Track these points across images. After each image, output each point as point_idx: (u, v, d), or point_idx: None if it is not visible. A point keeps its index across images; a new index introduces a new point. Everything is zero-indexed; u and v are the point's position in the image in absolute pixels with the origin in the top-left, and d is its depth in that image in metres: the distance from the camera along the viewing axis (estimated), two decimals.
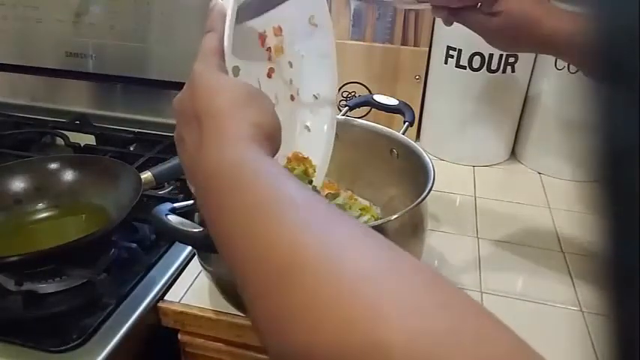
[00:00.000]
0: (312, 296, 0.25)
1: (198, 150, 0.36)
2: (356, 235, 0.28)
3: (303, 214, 0.29)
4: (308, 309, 0.25)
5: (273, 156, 0.37)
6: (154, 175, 0.74)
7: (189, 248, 0.68)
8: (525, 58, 0.87)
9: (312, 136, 0.61)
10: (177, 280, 0.63)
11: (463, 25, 0.61)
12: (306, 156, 0.59)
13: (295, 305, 0.25)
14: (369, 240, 0.27)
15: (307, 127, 0.62)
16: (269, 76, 0.55)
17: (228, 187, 0.32)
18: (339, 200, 0.68)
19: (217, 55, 0.41)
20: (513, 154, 0.98)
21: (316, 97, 0.61)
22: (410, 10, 0.76)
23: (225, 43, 0.42)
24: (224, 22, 0.42)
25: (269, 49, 0.55)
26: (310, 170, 0.58)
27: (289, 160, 0.58)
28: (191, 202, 0.54)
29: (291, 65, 0.58)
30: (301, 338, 0.25)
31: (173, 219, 0.49)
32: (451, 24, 0.61)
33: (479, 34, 0.60)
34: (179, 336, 0.62)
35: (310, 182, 0.58)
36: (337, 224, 0.29)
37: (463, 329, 0.23)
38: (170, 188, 0.79)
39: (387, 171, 0.69)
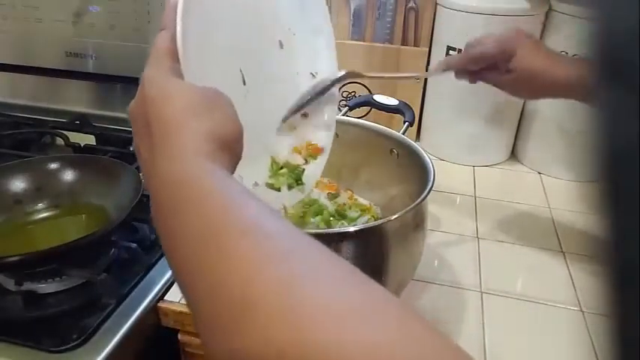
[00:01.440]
0: (265, 341, 0.23)
1: (149, 162, 0.33)
2: (316, 269, 0.25)
3: (257, 245, 0.26)
4: (262, 353, 0.23)
5: (234, 166, 0.35)
6: None
7: None
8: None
9: (311, 121, 0.58)
10: None
11: (485, 82, 0.66)
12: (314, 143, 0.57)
13: (249, 347, 0.23)
14: (331, 273, 0.25)
15: (305, 115, 0.58)
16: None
17: (176, 208, 0.30)
18: (340, 200, 0.68)
19: (170, 56, 0.37)
20: (513, 154, 0.98)
21: (313, 76, 0.58)
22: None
23: (179, 44, 0.37)
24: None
25: None
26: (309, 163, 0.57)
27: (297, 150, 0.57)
28: None
29: (281, 45, 0.54)
30: None
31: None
32: (475, 82, 0.67)
33: (499, 88, 0.66)
34: (179, 336, 0.62)
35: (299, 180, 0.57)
36: (295, 256, 0.26)
37: None
38: None
39: (387, 171, 0.69)
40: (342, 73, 0.58)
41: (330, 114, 0.59)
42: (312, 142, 0.58)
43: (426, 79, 0.95)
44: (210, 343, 0.26)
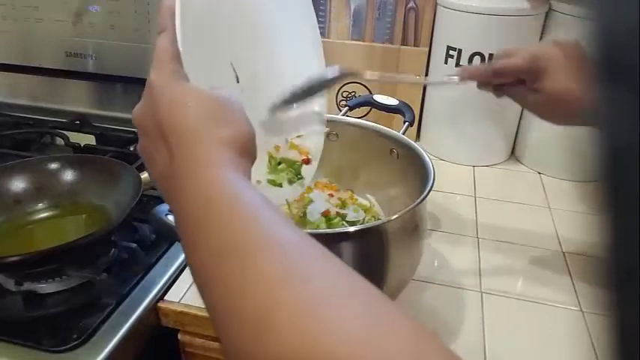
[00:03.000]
0: (286, 358, 0.23)
1: (170, 173, 0.34)
2: (335, 290, 0.26)
3: (278, 262, 0.26)
4: None
5: (252, 164, 0.35)
6: None
7: None
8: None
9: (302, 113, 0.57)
10: (177, 280, 0.63)
11: (512, 99, 0.60)
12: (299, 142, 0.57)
13: None
14: (351, 293, 0.26)
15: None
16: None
17: (202, 222, 0.30)
18: (340, 195, 0.68)
19: (173, 59, 0.37)
20: (513, 154, 0.98)
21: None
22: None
23: (179, 44, 0.37)
24: (174, 21, 0.37)
25: None
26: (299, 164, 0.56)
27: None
28: None
29: (267, 42, 0.53)
30: None
31: (173, 219, 0.49)
32: (500, 97, 0.61)
33: (526, 109, 0.61)
34: (179, 336, 0.62)
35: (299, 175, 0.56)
36: (315, 273, 0.26)
37: None
38: None
39: (387, 171, 0.69)
40: (335, 73, 0.54)
41: (320, 105, 0.58)
42: (303, 146, 0.57)
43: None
44: (228, 353, 0.27)
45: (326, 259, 0.27)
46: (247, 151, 0.34)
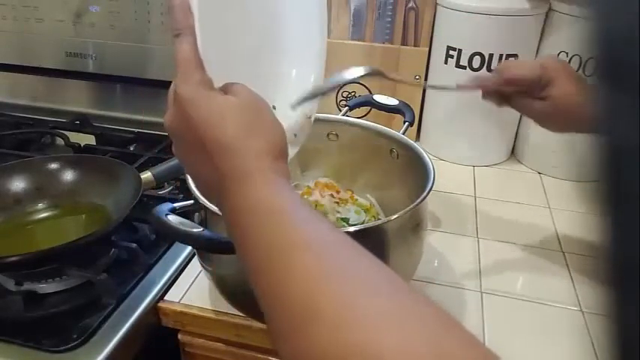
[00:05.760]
0: (326, 346, 0.26)
1: (216, 186, 0.36)
2: (370, 282, 0.29)
3: (320, 261, 0.30)
4: (324, 357, 0.26)
5: (287, 160, 0.38)
6: (154, 175, 0.74)
7: (189, 248, 0.68)
8: (525, 58, 0.87)
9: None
10: (177, 280, 0.63)
11: (514, 109, 0.62)
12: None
13: (312, 352, 0.27)
14: (382, 286, 0.29)
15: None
16: None
17: (248, 228, 0.33)
18: (341, 196, 0.68)
19: (197, 67, 0.37)
20: (513, 154, 0.98)
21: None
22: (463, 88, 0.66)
23: (200, 50, 0.36)
24: (189, 19, 0.37)
25: None
26: None
27: None
28: (191, 202, 0.54)
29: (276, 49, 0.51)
30: None
31: (173, 219, 0.49)
32: (502, 106, 0.62)
33: (529, 117, 0.62)
34: (179, 336, 0.62)
35: None
36: (352, 270, 0.30)
37: None
38: (170, 188, 0.79)
39: (387, 171, 0.68)
40: (367, 70, 0.53)
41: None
42: None
43: (426, 80, 0.95)
44: (277, 342, 0.30)
45: (361, 256, 0.31)
46: (282, 154, 0.37)
